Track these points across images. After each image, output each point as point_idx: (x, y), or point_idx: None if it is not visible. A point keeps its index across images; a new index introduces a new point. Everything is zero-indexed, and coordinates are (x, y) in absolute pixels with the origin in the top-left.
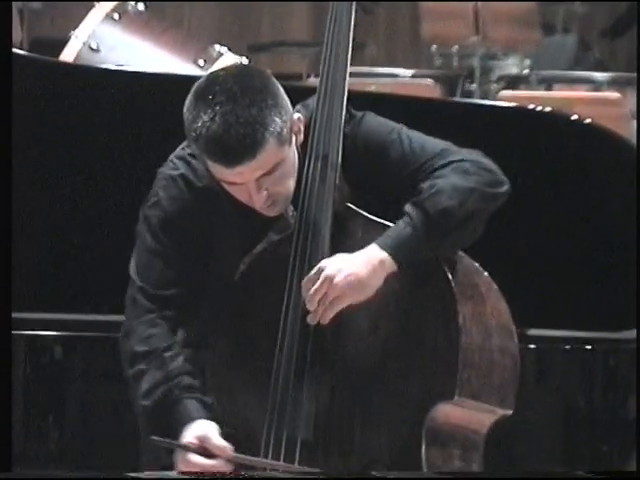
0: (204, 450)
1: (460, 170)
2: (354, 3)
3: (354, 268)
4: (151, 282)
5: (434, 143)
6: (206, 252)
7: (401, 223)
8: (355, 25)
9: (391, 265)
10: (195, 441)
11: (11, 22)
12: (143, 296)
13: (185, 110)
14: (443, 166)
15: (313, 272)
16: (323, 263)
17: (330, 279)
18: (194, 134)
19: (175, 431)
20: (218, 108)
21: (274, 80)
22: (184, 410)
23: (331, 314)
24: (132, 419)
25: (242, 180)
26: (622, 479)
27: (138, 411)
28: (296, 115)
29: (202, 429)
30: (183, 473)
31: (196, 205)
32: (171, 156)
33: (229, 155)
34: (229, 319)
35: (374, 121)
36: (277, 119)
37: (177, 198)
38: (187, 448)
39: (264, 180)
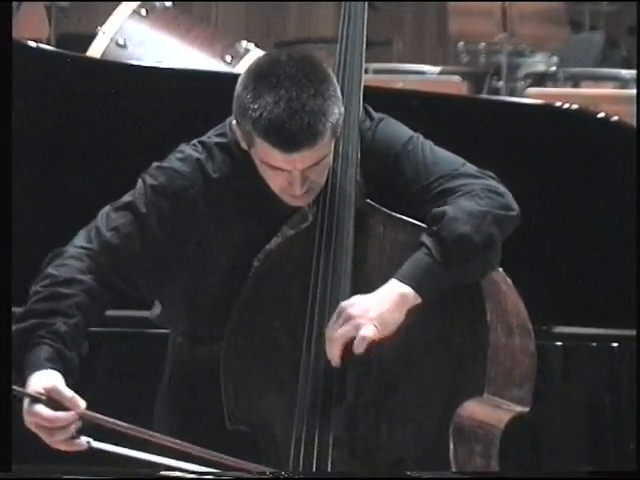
0: (53, 402)
1: (470, 195)
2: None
3: (377, 305)
4: (109, 226)
5: (447, 160)
6: (198, 239)
7: (419, 254)
8: (376, 21)
9: (414, 299)
10: (43, 391)
11: (11, 22)
12: (94, 233)
13: (241, 87)
14: (453, 190)
15: (335, 315)
16: (344, 303)
17: (354, 318)
18: (254, 114)
19: (24, 373)
20: (283, 92)
21: (331, 71)
22: (39, 354)
23: (361, 352)
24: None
25: (291, 167)
26: (622, 479)
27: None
28: (342, 107)
29: (51, 379)
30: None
31: (203, 194)
32: (197, 139)
33: (290, 141)
34: (246, 317)
35: (391, 128)
36: (336, 110)
37: (186, 177)
38: (33, 397)
39: (310, 171)
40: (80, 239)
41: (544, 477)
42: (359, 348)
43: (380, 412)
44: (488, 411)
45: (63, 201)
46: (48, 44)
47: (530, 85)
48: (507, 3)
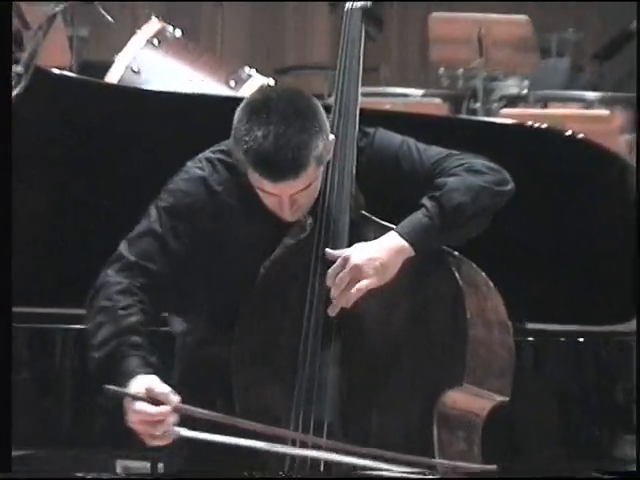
0: (151, 399)
1: (472, 169)
2: (363, 30)
3: (377, 254)
4: (136, 251)
5: (440, 150)
6: (212, 252)
7: (419, 214)
8: (366, 50)
9: (409, 252)
10: (143, 391)
11: (11, 22)
12: (124, 260)
13: (237, 120)
14: (456, 166)
15: (338, 262)
16: (348, 252)
17: (357, 266)
18: (245, 146)
19: (120, 384)
20: (272, 128)
21: (320, 106)
22: (129, 365)
23: (355, 297)
24: None
25: (279, 193)
26: (622, 479)
27: (90, 362)
28: (332, 137)
29: (147, 380)
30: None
31: (211, 208)
32: (201, 155)
33: (276, 173)
34: (254, 317)
35: (385, 136)
36: (320, 144)
37: (192, 195)
38: (136, 397)
39: (298, 195)
40: (112, 273)
41: (545, 477)
42: (359, 293)
43: (370, 399)
44: (470, 400)
45: (74, 210)
46: (70, 71)
47: (504, 106)
48: (483, 31)
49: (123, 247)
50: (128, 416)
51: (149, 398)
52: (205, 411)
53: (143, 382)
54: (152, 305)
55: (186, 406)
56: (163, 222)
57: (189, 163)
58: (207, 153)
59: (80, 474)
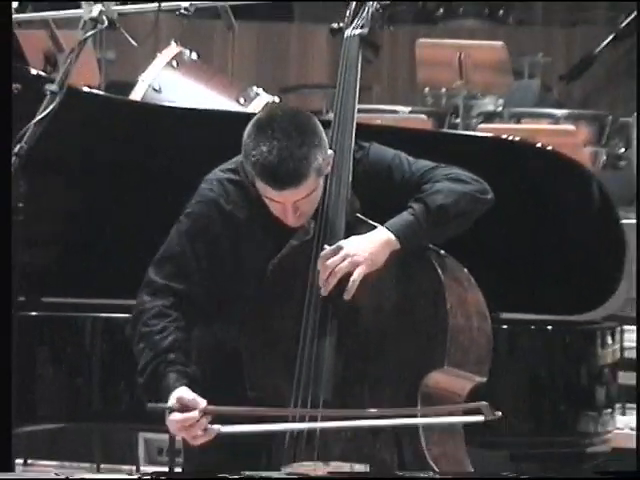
0: (184, 408)
1: (456, 179)
2: (360, 54)
3: (367, 245)
4: (162, 274)
5: (428, 162)
6: (226, 262)
7: (405, 213)
8: (362, 71)
9: (395, 245)
10: (175, 402)
11: (11, 21)
12: (154, 284)
13: (246, 136)
14: (441, 175)
15: (331, 248)
16: (341, 243)
17: (349, 253)
18: (252, 159)
19: (164, 399)
20: (275, 143)
21: (319, 124)
22: (168, 382)
23: (355, 287)
24: None
25: (284, 201)
26: (622, 479)
27: (138, 385)
28: (330, 152)
29: (178, 393)
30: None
31: (222, 225)
32: (212, 174)
33: (279, 182)
34: (262, 310)
35: (379, 150)
36: (319, 157)
37: (206, 216)
38: (169, 408)
39: (300, 203)
40: (147, 299)
41: (546, 477)
42: (355, 277)
43: (362, 380)
44: (451, 380)
45: (100, 214)
46: (99, 89)
47: (482, 122)
48: (463, 55)
49: (151, 271)
50: (168, 427)
51: (182, 407)
52: (231, 407)
53: (175, 395)
54: (185, 319)
55: (212, 407)
56: (184, 244)
57: (202, 185)
58: (217, 173)
59: (89, 476)
